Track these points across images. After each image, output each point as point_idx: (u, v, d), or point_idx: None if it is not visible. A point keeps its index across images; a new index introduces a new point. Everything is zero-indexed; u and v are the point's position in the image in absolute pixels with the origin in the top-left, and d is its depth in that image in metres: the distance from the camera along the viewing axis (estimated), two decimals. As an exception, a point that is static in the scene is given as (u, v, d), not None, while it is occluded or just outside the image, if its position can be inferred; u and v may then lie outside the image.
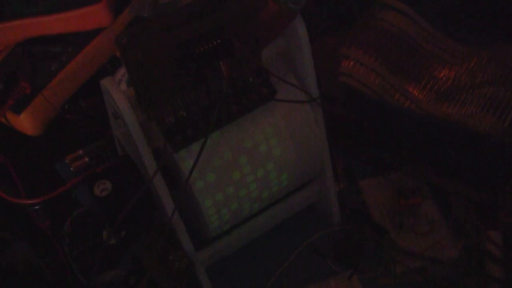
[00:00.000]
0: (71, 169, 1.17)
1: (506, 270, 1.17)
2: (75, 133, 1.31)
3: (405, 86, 1.22)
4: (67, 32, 1.29)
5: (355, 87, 1.22)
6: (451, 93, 1.22)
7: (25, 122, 1.26)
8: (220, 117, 1.00)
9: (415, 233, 1.21)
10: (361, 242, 1.21)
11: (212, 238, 1.13)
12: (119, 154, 1.18)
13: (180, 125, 0.98)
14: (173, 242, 1.09)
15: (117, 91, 0.95)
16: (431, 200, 1.24)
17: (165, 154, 1.00)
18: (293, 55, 1.07)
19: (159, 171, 0.99)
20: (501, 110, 1.17)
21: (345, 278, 1.18)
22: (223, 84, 0.96)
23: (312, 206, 1.25)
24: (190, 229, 1.08)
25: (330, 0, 1.45)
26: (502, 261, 1.18)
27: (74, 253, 1.17)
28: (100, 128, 1.29)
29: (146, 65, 0.90)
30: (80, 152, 1.18)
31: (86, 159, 1.18)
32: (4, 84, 1.26)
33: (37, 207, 1.21)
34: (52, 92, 1.27)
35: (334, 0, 1.45)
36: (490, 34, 1.30)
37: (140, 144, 0.97)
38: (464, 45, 1.30)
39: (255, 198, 1.09)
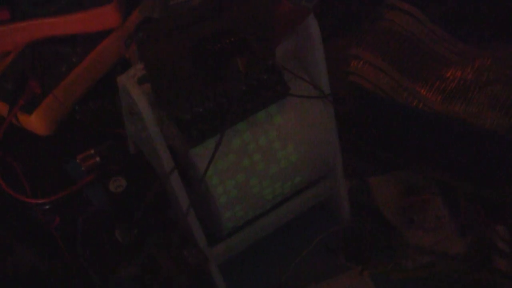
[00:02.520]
0: (82, 168, 1.22)
1: (513, 264, 1.23)
2: (85, 133, 1.36)
3: (413, 86, 1.28)
4: (77, 33, 1.35)
5: (364, 86, 1.28)
6: (458, 92, 1.28)
7: (36, 122, 1.30)
8: (235, 114, 1.05)
9: (424, 229, 1.26)
10: (371, 238, 1.27)
11: (225, 234, 1.17)
12: (131, 152, 1.22)
13: (196, 121, 1.03)
14: (187, 238, 1.14)
15: (135, 87, 1.00)
16: (440, 197, 1.30)
17: (181, 151, 1.04)
18: (306, 53, 1.13)
19: (175, 167, 1.04)
20: (506, 107, 1.23)
21: (356, 274, 1.23)
22: (239, 80, 1.02)
23: (323, 203, 1.30)
24: (203, 226, 1.13)
25: (339, 1, 1.51)
26: (509, 255, 1.23)
27: (87, 252, 1.21)
28: (109, 128, 1.34)
29: (163, 62, 0.95)
30: (92, 151, 1.22)
31: (97, 159, 1.22)
32: (15, 85, 1.30)
33: (47, 206, 1.24)
34: (62, 92, 1.32)
35: (342, 2, 1.52)
36: (494, 34, 1.37)
37: (157, 141, 1.02)
38: (470, 45, 1.36)
39: (268, 194, 1.14)
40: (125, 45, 1.17)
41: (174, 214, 1.15)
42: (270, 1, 1.01)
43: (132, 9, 1.37)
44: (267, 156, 1.10)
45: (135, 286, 1.18)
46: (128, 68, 1.35)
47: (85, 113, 1.37)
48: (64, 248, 1.25)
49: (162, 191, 1.10)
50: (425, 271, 1.24)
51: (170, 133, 1.06)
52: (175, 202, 1.10)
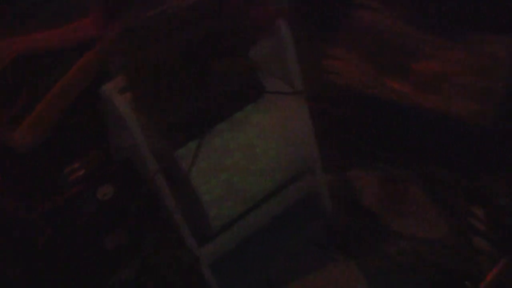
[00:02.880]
0: (70, 180, 1.25)
1: (492, 243, 1.29)
2: (71, 145, 1.39)
3: (387, 80, 1.34)
4: (58, 47, 1.38)
5: (339, 83, 1.34)
6: (430, 83, 1.34)
7: (20, 139, 1.33)
8: (215, 116, 1.10)
9: (405, 217, 1.32)
10: (355, 229, 1.32)
11: (214, 233, 1.22)
12: (116, 160, 1.26)
13: (178, 125, 1.08)
14: (178, 239, 1.18)
15: (118, 96, 1.05)
16: (417, 184, 1.36)
17: (165, 153, 1.09)
18: (279, 54, 1.18)
19: (160, 170, 1.08)
20: (477, 96, 1.29)
21: (342, 264, 1.28)
22: (215, 83, 1.07)
23: (307, 198, 1.35)
24: (193, 226, 1.18)
25: (314, 6, 1.57)
26: (489, 235, 1.29)
27: (80, 260, 1.24)
28: (95, 140, 1.38)
29: (144, 69, 1.01)
30: (77, 164, 1.26)
31: (84, 170, 1.26)
32: (-2, 102, 1.34)
33: (37, 218, 1.27)
34: (46, 107, 1.35)
35: (317, 6, 1.58)
36: (461, 27, 1.43)
37: (141, 145, 1.07)
38: (441, 37, 1.42)
39: (252, 190, 1.19)
40: (106, 57, 1.22)
41: (165, 216, 1.20)
42: (244, 5, 1.07)
43: (113, 20, 1.42)
44: (248, 153, 1.15)
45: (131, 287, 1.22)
46: (110, 80, 1.41)
47: (70, 126, 1.41)
48: (56, 258, 1.29)
49: (151, 194, 1.15)
50: (408, 256, 1.29)
51: (154, 137, 1.10)
52: (163, 203, 1.14)
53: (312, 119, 1.24)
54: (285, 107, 1.19)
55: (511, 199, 1.33)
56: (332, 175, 1.39)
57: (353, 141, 1.43)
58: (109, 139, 1.24)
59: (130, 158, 1.18)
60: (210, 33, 1.04)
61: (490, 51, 1.34)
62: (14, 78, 1.37)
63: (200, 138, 1.08)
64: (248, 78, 1.13)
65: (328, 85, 1.34)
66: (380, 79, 1.33)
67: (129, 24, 1.34)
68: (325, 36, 1.45)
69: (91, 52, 1.39)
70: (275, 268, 1.28)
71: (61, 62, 1.38)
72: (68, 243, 1.24)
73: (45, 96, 1.35)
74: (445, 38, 1.40)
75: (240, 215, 1.24)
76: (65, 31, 1.35)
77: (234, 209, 1.19)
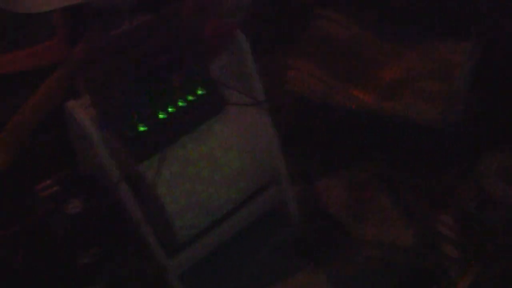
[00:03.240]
0: (41, 198, 1.29)
1: (461, 249, 1.32)
2: (41, 164, 1.43)
3: (347, 89, 1.39)
4: (26, 68, 1.43)
5: (301, 94, 1.38)
6: (389, 90, 1.38)
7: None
8: (177, 129, 1.14)
9: (371, 224, 1.35)
10: (321, 237, 1.35)
11: (180, 244, 1.25)
12: (83, 174, 1.30)
13: (141, 138, 1.11)
14: (143, 251, 1.21)
15: (81, 111, 1.09)
16: (383, 191, 1.40)
17: (128, 166, 1.13)
18: (239, 66, 1.22)
19: (125, 183, 1.12)
20: (434, 100, 1.33)
21: (310, 271, 1.31)
22: (175, 97, 1.11)
23: (274, 208, 1.38)
24: (160, 238, 1.21)
25: (273, 17, 1.63)
26: (455, 241, 1.32)
27: (51, 276, 1.27)
28: (65, 157, 1.42)
29: (103, 85, 1.05)
30: (49, 181, 1.30)
31: (56, 187, 1.29)
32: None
33: (9, 238, 1.30)
34: (15, 127, 1.39)
35: (276, 17, 1.63)
36: (417, 34, 1.48)
37: (104, 158, 1.11)
38: (398, 44, 1.47)
39: (216, 200, 1.22)
40: (73, 75, 1.26)
41: (131, 229, 1.23)
42: (199, 21, 1.11)
43: (78, 40, 1.46)
44: (210, 163, 1.18)
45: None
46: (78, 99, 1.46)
47: (39, 145, 1.45)
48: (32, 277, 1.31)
49: (117, 208, 1.18)
50: (375, 263, 1.32)
51: (117, 151, 1.14)
52: (129, 216, 1.17)
53: (276, 130, 1.28)
54: (247, 119, 1.23)
55: (478, 205, 1.37)
56: (298, 184, 1.42)
57: (318, 150, 1.47)
58: (76, 155, 1.28)
59: (96, 172, 1.21)
60: (169, 47, 1.08)
61: (446, 56, 1.39)
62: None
63: (162, 151, 1.12)
64: (209, 91, 1.17)
65: (289, 96, 1.39)
66: (340, 87, 1.37)
67: (94, 43, 1.40)
68: (284, 47, 1.50)
69: (59, 71, 1.44)
70: (244, 277, 1.31)
71: (29, 82, 1.42)
72: (42, 262, 1.27)
73: (15, 115, 1.39)
74: (402, 44, 1.45)
75: (208, 226, 1.27)
76: (32, 52, 1.39)
77: (200, 219, 1.22)
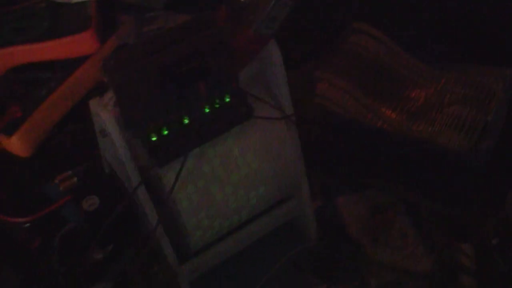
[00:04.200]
0: (61, 189, 1.33)
1: (478, 281, 1.32)
2: (64, 155, 1.47)
3: (377, 107, 1.39)
4: (55, 59, 1.47)
5: (329, 108, 1.39)
6: (421, 112, 1.38)
7: (16, 144, 1.41)
8: (200, 135, 1.16)
9: (389, 247, 1.36)
10: (337, 256, 1.36)
11: (193, 252, 1.27)
12: (106, 172, 1.33)
13: (163, 142, 1.13)
14: (157, 254, 1.24)
15: (105, 110, 1.11)
16: (405, 215, 1.40)
17: (148, 169, 1.15)
18: (269, 77, 1.24)
19: (144, 185, 1.14)
20: (467, 127, 1.33)
21: (323, 290, 1.33)
22: (201, 103, 1.13)
23: (291, 222, 1.40)
24: (173, 245, 1.23)
25: (309, 29, 1.64)
26: (474, 272, 1.33)
27: (62, 269, 1.31)
28: (87, 150, 1.45)
29: (130, 86, 1.07)
30: (69, 172, 1.33)
31: (75, 179, 1.33)
32: (-4, 109, 1.42)
33: (27, 225, 1.34)
34: (42, 115, 1.43)
35: (312, 29, 1.64)
36: (456, 57, 1.48)
37: (126, 159, 1.13)
38: (433, 67, 1.47)
39: (235, 212, 1.24)
40: (102, 70, 1.29)
41: (146, 231, 1.25)
42: (231, 29, 1.13)
43: (109, 35, 1.50)
44: (233, 175, 1.20)
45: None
46: (105, 92, 1.49)
47: (64, 135, 1.49)
48: (44, 267, 1.35)
49: (132, 208, 1.21)
50: None
51: (140, 155, 1.17)
52: (145, 218, 1.20)
53: (301, 144, 1.30)
54: (272, 129, 1.24)
55: (501, 239, 1.37)
56: (319, 201, 1.44)
57: (341, 168, 1.48)
58: (99, 151, 1.31)
59: (116, 170, 1.24)
60: (199, 52, 1.10)
61: (484, 83, 1.39)
62: (12, 87, 1.45)
63: (184, 156, 1.14)
64: (236, 100, 1.18)
65: (318, 109, 1.40)
66: (371, 105, 1.38)
67: (124, 39, 1.43)
68: (317, 60, 1.51)
69: (88, 63, 1.47)
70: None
71: (58, 72, 1.46)
72: (55, 253, 1.31)
73: (42, 104, 1.43)
74: (439, 66, 1.45)
75: (223, 234, 1.30)
76: (63, 43, 1.43)
77: (215, 221, 1.24)
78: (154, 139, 1.13)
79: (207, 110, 1.16)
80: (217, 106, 1.17)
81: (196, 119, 1.14)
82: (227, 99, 1.17)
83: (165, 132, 1.13)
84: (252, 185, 1.24)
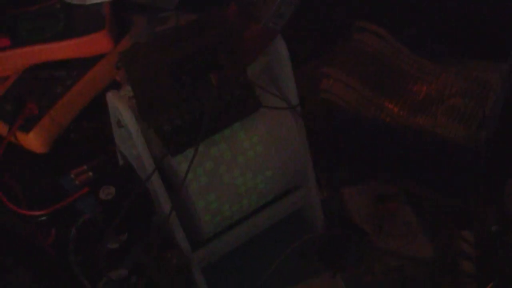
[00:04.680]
0: (76, 182, 1.39)
1: (478, 266, 1.39)
2: (79, 150, 1.55)
3: (380, 101, 1.46)
4: (71, 57, 1.55)
5: (335, 102, 1.46)
6: (423, 106, 1.45)
7: (33, 140, 1.49)
8: (210, 126, 1.23)
9: (393, 235, 1.43)
10: (343, 245, 1.43)
11: (204, 239, 1.34)
12: (120, 163, 1.40)
13: (176, 132, 1.21)
14: (170, 241, 1.31)
15: (121, 101, 1.18)
16: (407, 205, 1.47)
17: (162, 157, 1.22)
18: (276, 70, 1.31)
19: (157, 172, 1.22)
20: (466, 118, 1.41)
21: (328, 277, 1.39)
22: (213, 94, 1.20)
23: (298, 212, 1.47)
24: (185, 232, 1.30)
25: (314, 26, 1.72)
26: (475, 258, 1.39)
27: (78, 259, 1.37)
28: (102, 146, 1.53)
29: (145, 78, 1.14)
30: (85, 167, 1.40)
31: (90, 173, 1.39)
32: (14, 106, 1.50)
33: (43, 218, 1.41)
34: (58, 113, 1.51)
35: (317, 26, 1.73)
36: (457, 52, 1.56)
37: (141, 148, 1.20)
38: (435, 62, 1.54)
39: (241, 185, 1.30)
40: (116, 68, 1.37)
41: (158, 219, 1.32)
42: (240, 24, 1.20)
43: (122, 36, 1.58)
44: (242, 163, 1.27)
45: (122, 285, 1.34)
46: (119, 90, 1.56)
47: (79, 131, 1.57)
48: (59, 260, 1.41)
49: (146, 197, 1.28)
50: (394, 273, 1.40)
51: (153, 144, 1.24)
52: (158, 206, 1.27)
53: (307, 136, 1.37)
54: (279, 121, 1.31)
55: (501, 227, 1.44)
56: (325, 192, 1.51)
57: (346, 159, 1.55)
58: (115, 143, 1.38)
59: (131, 161, 1.31)
60: (211, 46, 1.18)
61: (482, 77, 1.46)
62: (29, 85, 1.53)
63: (195, 146, 1.21)
64: (245, 92, 1.26)
65: (323, 104, 1.47)
66: (374, 99, 1.45)
67: (137, 38, 1.51)
68: (322, 56, 1.59)
69: (103, 62, 1.55)
70: (263, 278, 1.39)
71: (74, 71, 1.54)
72: (71, 243, 1.37)
73: (58, 101, 1.51)
74: (439, 62, 1.53)
75: (233, 222, 1.37)
76: (79, 42, 1.51)
77: (224, 205, 1.29)
78: (167, 129, 1.20)
79: (218, 102, 1.23)
80: (227, 97, 1.24)
81: (208, 110, 1.21)
82: (237, 91, 1.25)
83: (178, 123, 1.20)
84: (259, 168, 1.30)
